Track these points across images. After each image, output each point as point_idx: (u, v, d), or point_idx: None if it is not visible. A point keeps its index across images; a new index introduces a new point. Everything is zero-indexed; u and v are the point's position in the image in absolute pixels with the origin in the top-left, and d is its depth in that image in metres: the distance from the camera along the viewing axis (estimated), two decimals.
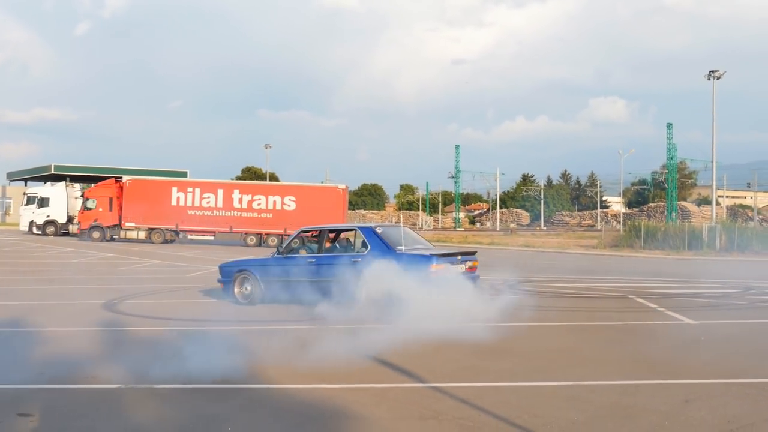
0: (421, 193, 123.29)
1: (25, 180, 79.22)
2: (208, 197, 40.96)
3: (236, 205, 40.81)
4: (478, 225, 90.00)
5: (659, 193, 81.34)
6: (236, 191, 41.42)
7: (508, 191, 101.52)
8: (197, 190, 41.31)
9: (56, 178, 71.61)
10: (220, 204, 40.81)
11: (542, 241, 49.63)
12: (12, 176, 78.71)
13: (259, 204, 40.74)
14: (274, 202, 40.66)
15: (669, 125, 59.26)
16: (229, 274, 13.57)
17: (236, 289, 13.30)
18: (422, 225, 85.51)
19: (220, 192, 41.25)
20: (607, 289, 16.81)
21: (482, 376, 7.64)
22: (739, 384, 7.27)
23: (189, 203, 40.87)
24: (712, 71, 52.57)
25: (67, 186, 49.31)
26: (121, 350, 9.15)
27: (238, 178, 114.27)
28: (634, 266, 26.18)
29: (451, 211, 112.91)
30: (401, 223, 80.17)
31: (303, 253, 12.86)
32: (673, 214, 60.40)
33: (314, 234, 13.54)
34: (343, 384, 7.20)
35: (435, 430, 5.67)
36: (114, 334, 10.37)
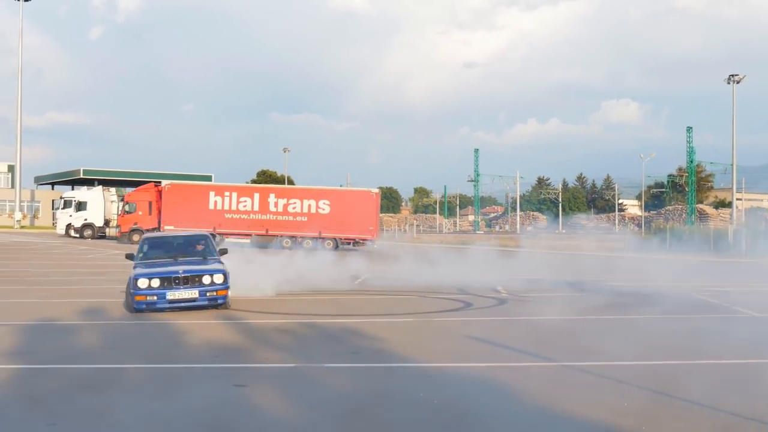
0: (435, 196, 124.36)
1: (53, 184, 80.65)
2: (245, 201, 41.97)
3: (272, 208, 41.72)
4: (497, 228, 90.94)
5: (676, 195, 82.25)
6: (272, 195, 42.39)
7: (523, 194, 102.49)
8: (234, 194, 42.34)
9: (84, 182, 72.93)
10: (256, 207, 41.76)
11: (565, 243, 50.51)
12: (40, 180, 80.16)
13: (294, 207, 41.64)
14: (309, 205, 41.58)
15: (689, 129, 60.29)
16: None
17: None
18: (441, 228, 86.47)
19: (257, 196, 42.25)
20: (665, 290, 17.79)
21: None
22: None
23: (226, 207, 41.86)
24: (732, 75, 53.61)
25: (103, 190, 50.44)
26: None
27: (254, 181, 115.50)
28: (670, 268, 27.11)
29: (467, 214, 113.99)
30: (417, 227, 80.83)
31: None
32: (692, 216, 61.35)
33: None
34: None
35: None
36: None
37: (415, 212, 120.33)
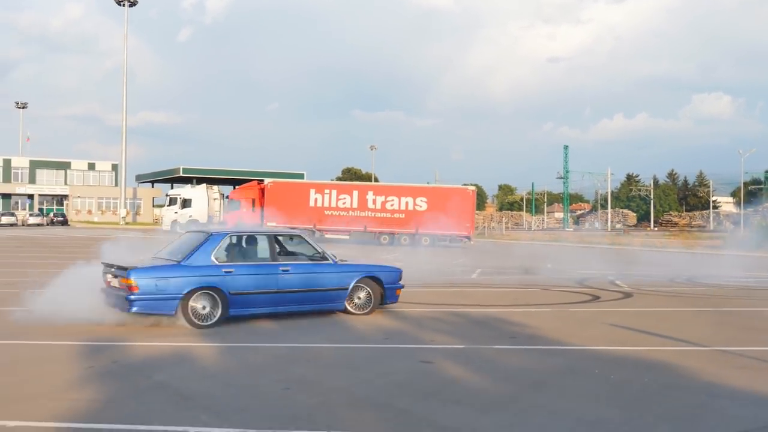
0: (520, 193, 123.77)
1: (152, 182, 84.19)
2: (344, 198, 43.20)
3: (370, 205, 42.79)
4: (586, 225, 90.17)
5: None
6: (370, 193, 43.49)
7: (612, 191, 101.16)
8: (334, 192, 43.69)
9: (183, 180, 75.96)
10: (355, 205, 42.91)
11: (662, 241, 50.00)
12: (141, 178, 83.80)
13: (392, 205, 42.63)
14: (407, 203, 42.49)
15: None
16: None
17: None
18: (530, 225, 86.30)
19: (355, 193, 43.40)
20: None
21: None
22: None
23: (326, 204, 43.19)
24: None
25: (207, 188, 52.63)
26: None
27: (338, 178, 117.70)
28: None
29: (552, 211, 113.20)
30: (505, 224, 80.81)
31: None
32: None
33: None
34: None
35: None
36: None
37: (500, 209, 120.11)
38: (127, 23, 70.04)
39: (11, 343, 9.00)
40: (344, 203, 43.12)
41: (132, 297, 9.91)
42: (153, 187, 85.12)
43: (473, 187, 43.21)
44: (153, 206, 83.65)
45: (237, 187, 49.91)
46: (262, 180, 45.69)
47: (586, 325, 11.15)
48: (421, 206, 42.19)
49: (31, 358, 8.24)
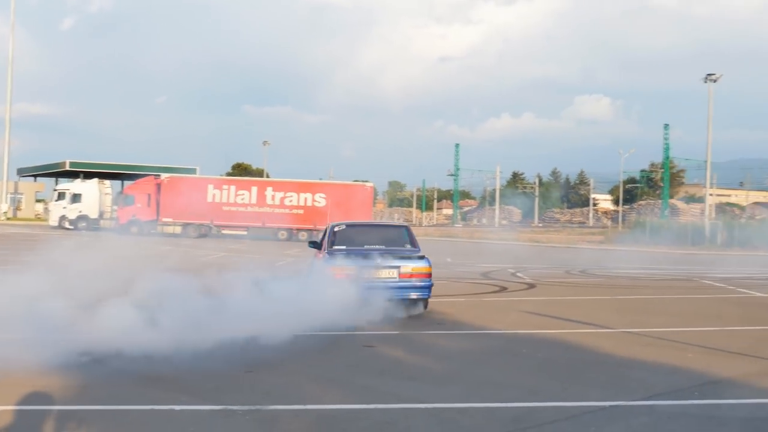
0: (410, 189, 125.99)
1: (35, 176, 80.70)
2: (243, 194, 43.22)
3: (269, 201, 42.97)
4: (474, 221, 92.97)
5: (648, 191, 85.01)
6: (269, 188, 43.70)
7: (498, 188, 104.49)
8: (232, 188, 43.67)
9: (70, 175, 73.28)
10: (254, 201, 42.99)
11: (548, 237, 52.50)
12: (22, 172, 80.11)
13: (291, 201, 42.98)
14: (305, 198, 42.95)
15: (666, 126, 63.00)
16: None
17: None
18: (421, 221, 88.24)
19: (254, 189, 43.52)
20: (670, 276, 19.76)
21: None
22: None
23: (224, 200, 43.06)
24: (709, 75, 55.93)
25: (98, 183, 51.19)
26: None
27: (229, 174, 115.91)
28: (657, 259, 29.06)
29: (441, 208, 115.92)
30: (399, 220, 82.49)
31: None
32: (666, 211, 63.90)
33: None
34: None
35: None
36: None
37: (390, 206, 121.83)
38: (14, 12, 67.10)
39: None
40: (243, 199, 43.13)
41: (430, 283, 11.07)
42: (36, 181, 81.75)
43: (371, 184, 44.14)
44: (35, 201, 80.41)
45: (133, 181, 48.93)
46: (159, 175, 45.04)
47: (502, 312, 12.15)
48: (320, 202, 42.68)
49: None
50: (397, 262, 11.10)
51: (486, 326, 10.49)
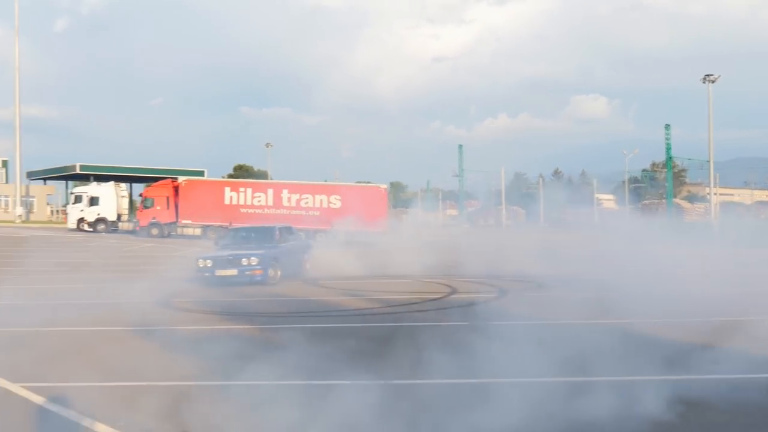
0: (413, 190, 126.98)
1: (45, 179, 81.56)
2: (259, 196, 44.16)
3: (285, 203, 43.89)
4: (481, 222, 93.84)
5: (650, 190, 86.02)
6: (285, 191, 44.55)
7: (500, 189, 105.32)
8: (249, 190, 44.62)
9: (80, 178, 74.26)
10: (270, 203, 43.93)
11: (555, 237, 52.97)
12: (33, 175, 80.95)
13: (306, 202, 43.91)
14: (321, 200, 43.88)
15: (667, 126, 63.98)
16: None
17: None
18: (429, 222, 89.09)
19: (270, 192, 44.45)
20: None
21: None
22: None
23: (241, 202, 44.01)
24: (708, 75, 57.03)
25: (114, 186, 52.11)
26: None
27: (230, 176, 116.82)
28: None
29: (444, 208, 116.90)
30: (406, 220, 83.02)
31: None
32: (671, 210, 64.89)
33: None
34: None
35: None
36: None
37: (394, 206, 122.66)
38: (18, 16, 67.93)
39: None
40: (259, 201, 44.05)
41: None
42: (45, 184, 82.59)
43: (385, 186, 45.13)
44: (47, 204, 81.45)
45: (150, 184, 49.86)
46: (176, 178, 45.98)
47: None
48: (335, 204, 43.57)
49: None
50: None
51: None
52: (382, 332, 10.80)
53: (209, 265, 15.57)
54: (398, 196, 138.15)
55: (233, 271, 16.00)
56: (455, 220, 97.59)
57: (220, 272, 15.79)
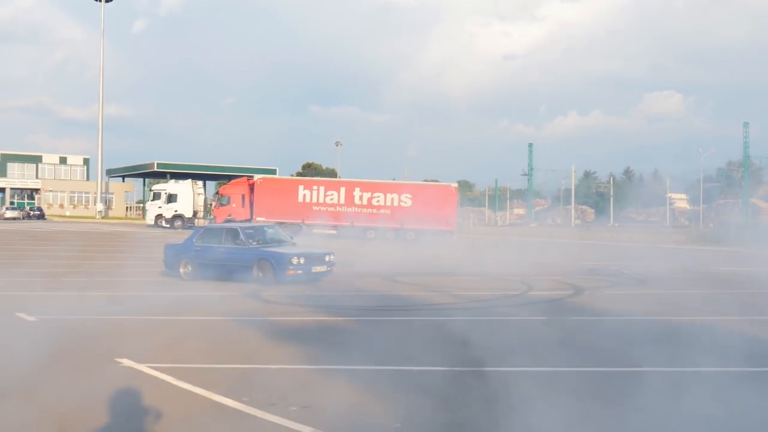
0: (480, 189, 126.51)
1: (124, 177, 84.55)
2: (332, 195, 44.69)
3: (357, 201, 44.26)
4: (549, 221, 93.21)
5: (726, 189, 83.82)
6: (357, 189, 44.94)
7: (569, 188, 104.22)
8: (321, 188, 45.22)
9: (157, 175, 76.66)
10: (342, 201, 44.41)
11: (628, 237, 52.25)
12: (111, 173, 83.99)
13: (377, 201, 44.19)
14: (392, 199, 44.08)
15: (746, 124, 62.77)
16: None
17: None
18: (495, 221, 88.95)
19: (342, 190, 44.94)
20: None
21: None
22: None
23: (314, 200, 44.62)
24: None
25: (192, 183, 53.64)
26: None
27: (299, 174, 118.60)
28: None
29: (510, 208, 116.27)
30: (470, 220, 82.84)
31: None
32: (748, 210, 63.41)
33: None
34: None
35: None
36: None
37: (462, 205, 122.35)
38: (104, 20, 70.58)
39: None
40: (332, 199, 44.55)
41: None
42: (124, 181, 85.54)
43: (455, 185, 45.24)
44: (125, 201, 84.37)
45: (228, 182, 51.11)
46: (252, 176, 47.06)
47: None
48: (405, 202, 43.70)
49: None
50: None
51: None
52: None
53: (302, 262, 16.12)
54: (465, 194, 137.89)
55: (324, 268, 16.64)
56: (523, 219, 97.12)
57: (316, 269, 16.45)
